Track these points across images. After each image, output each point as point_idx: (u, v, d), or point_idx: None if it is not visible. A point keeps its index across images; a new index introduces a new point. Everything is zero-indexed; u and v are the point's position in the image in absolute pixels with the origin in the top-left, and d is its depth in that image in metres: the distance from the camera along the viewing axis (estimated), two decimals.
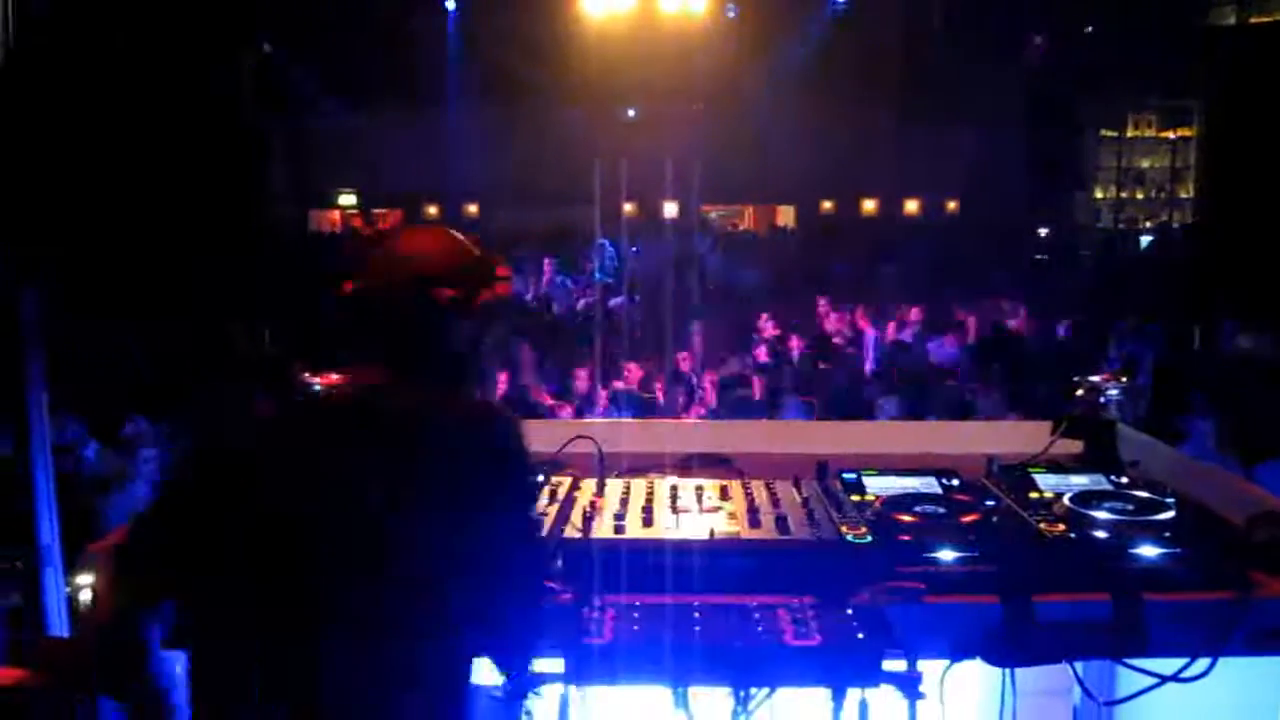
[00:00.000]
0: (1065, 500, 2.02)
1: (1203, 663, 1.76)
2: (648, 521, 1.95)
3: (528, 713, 1.92)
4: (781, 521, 1.93)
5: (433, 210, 16.88)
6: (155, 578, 1.60)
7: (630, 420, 5.20)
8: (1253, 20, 11.55)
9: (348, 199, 16.92)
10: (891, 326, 9.51)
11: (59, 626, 2.84)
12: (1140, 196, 16.63)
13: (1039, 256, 14.65)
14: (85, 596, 2.43)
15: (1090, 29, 14.35)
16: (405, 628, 1.51)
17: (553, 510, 2.03)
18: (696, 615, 1.72)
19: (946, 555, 1.84)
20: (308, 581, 1.50)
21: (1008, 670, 1.87)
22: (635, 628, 1.69)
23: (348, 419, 1.58)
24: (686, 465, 2.50)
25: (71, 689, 1.97)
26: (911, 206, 16.40)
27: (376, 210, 17.31)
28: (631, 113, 14.88)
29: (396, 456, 1.53)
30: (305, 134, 14.30)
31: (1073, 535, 1.89)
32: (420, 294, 1.62)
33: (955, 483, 2.19)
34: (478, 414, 1.65)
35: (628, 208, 11.21)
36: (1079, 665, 1.91)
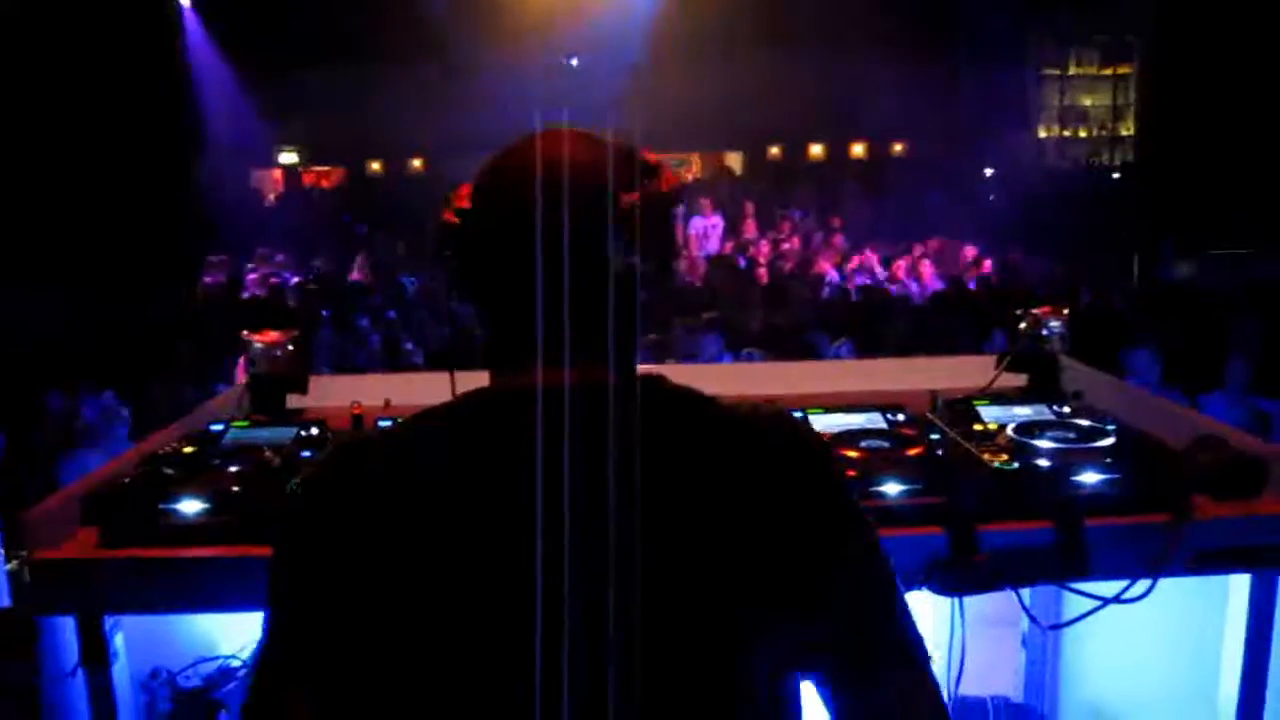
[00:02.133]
0: (1009, 431, 2.04)
1: (1143, 584, 1.78)
2: None
3: None
4: None
5: (376, 166, 16.64)
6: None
7: None
8: None
9: (289, 156, 16.60)
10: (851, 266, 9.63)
11: None
12: (1083, 135, 16.77)
13: (992, 197, 14.76)
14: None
15: None
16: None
17: None
18: None
19: (892, 489, 1.84)
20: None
21: (956, 599, 1.89)
22: None
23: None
24: None
25: (9, 659, 1.92)
26: (858, 150, 16.41)
27: (319, 167, 17.04)
28: (574, 61, 14.69)
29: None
30: (244, 90, 13.98)
31: (1016, 464, 1.90)
32: None
33: (900, 418, 2.19)
34: None
35: None
36: (1025, 592, 1.94)
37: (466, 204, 1.19)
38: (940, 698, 1.19)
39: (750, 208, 13.57)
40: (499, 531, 1.09)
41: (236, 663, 2.41)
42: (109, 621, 1.91)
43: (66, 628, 1.88)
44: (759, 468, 1.15)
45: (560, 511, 1.05)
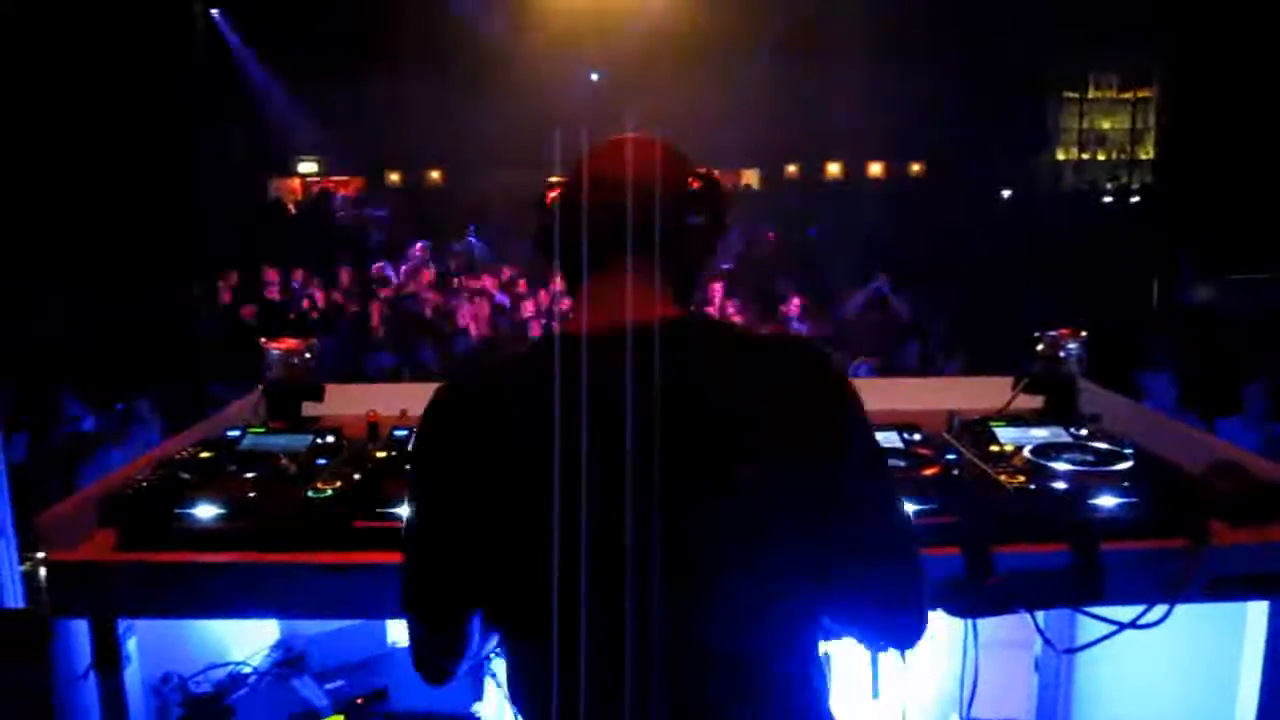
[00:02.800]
0: (1025, 452, 2.03)
1: (1160, 610, 1.77)
2: None
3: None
4: None
5: (395, 177, 16.71)
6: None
7: None
8: None
9: (308, 166, 16.69)
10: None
11: (13, 599, 2.80)
12: (1101, 158, 16.73)
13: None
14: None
15: None
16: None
17: None
18: None
19: (907, 508, 1.83)
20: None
21: (969, 621, 1.87)
22: None
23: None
24: None
25: (22, 660, 1.93)
26: (875, 169, 16.41)
27: (338, 177, 17.12)
28: (595, 76, 14.75)
29: None
30: (265, 101, 14.09)
31: (1032, 486, 1.89)
32: None
33: (917, 437, 2.19)
34: None
35: None
36: (1039, 615, 1.93)
37: (560, 190, 1.46)
38: (919, 580, 1.37)
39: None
40: (567, 440, 1.26)
41: (248, 669, 2.41)
42: (122, 625, 1.92)
43: (80, 630, 1.89)
44: (795, 378, 1.32)
45: (612, 427, 1.24)
